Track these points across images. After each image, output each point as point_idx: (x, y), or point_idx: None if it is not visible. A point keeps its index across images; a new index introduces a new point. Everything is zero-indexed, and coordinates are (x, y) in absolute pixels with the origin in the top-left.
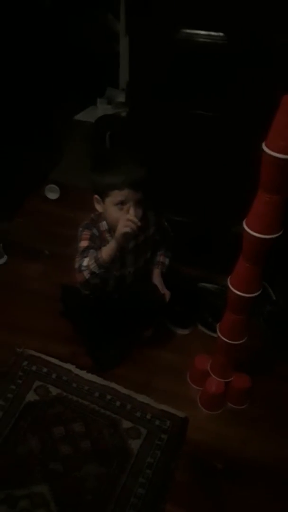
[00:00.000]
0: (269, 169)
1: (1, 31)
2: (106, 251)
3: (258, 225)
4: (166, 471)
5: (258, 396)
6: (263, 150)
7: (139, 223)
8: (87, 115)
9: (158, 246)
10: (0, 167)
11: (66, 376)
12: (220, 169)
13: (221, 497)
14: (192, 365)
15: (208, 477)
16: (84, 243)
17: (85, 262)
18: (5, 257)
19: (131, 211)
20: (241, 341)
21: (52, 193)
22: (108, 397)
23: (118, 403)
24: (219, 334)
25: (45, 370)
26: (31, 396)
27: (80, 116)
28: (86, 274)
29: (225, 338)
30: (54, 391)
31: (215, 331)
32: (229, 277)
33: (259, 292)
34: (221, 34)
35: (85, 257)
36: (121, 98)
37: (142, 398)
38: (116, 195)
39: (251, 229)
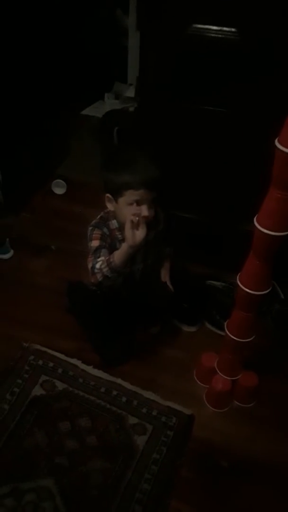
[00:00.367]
0: (282, 165)
1: (11, 26)
2: (119, 256)
3: (269, 222)
4: (171, 467)
5: (265, 394)
6: (275, 147)
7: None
8: (95, 110)
9: (165, 240)
10: (7, 162)
11: (72, 371)
12: (229, 165)
13: (226, 494)
14: (199, 363)
15: (213, 474)
16: (95, 243)
17: (98, 265)
18: (11, 252)
19: (144, 210)
20: (249, 339)
21: (59, 188)
22: (114, 392)
23: (124, 399)
24: (227, 331)
25: (51, 365)
26: (37, 391)
27: (87, 111)
28: (99, 277)
29: (233, 335)
30: (60, 386)
31: (222, 329)
32: (239, 274)
33: (268, 290)
34: (233, 29)
35: (98, 257)
36: (129, 93)
37: (148, 394)
38: (131, 195)
39: (262, 226)
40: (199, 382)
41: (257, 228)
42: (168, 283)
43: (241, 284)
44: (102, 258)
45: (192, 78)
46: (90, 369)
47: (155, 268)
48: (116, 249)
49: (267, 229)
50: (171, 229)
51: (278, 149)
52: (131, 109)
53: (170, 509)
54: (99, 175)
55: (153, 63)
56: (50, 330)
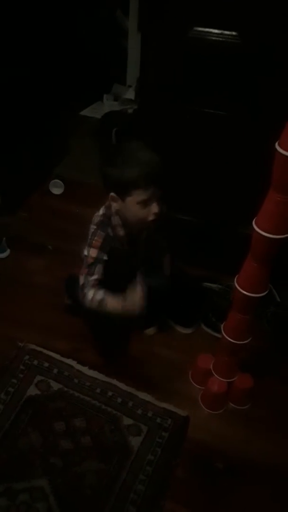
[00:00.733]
0: (282, 169)
1: (11, 27)
2: (111, 304)
3: (268, 225)
4: (166, 468)
5: (260, 397)
6: (276, 150)
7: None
8: (93, 111)
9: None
10: (5, 162)
11: (67, 372)
12: (228, 168)
13: (221, 496)
14: (195, 364)
15: (208, 476)
16: (93, 252)
17: (90, 293)
18: (8, 251)
19: (155, 208)
20: (245, 341)
21: (57, 188)
22: (110, 393)
23: (119, 400)
24: (223, 333)
25: (46, 365)
26: (32, 391)
27: (86, 112)
28: (87, 304)
29: (229, 337)
30: (55, 386)
31: (218, 331)
32: (236, 276)
33: (265, 293)
34: (233, 33)
35: (92, 274)
36: (128, 94)
37: (143, 395)
38: (140, 194)
39: (261, 229)
40: (194, 384)
41: (256, 230)
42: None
43: (239, 286)
44: (94, 289)
45: (192, 80)
46: (85, 369)
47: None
48: (117, 250)
49: (266, 231)
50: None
51: (278, 152)
52: (130, 110)
53: (164, 511)
54: (99, 173)
55: (154, 64)
56: (46, 330)
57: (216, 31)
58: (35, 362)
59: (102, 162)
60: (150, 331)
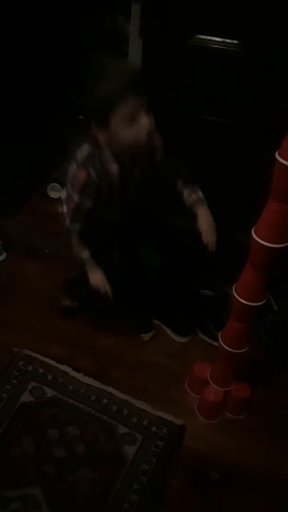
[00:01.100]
0: (281, 178)
1: (11, 29)
2: (77, 253)
3: (267, 234)
4: (161, 478)
5: (257, 406)
6: (276, 159)
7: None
8: None
9: (175, 180)
10: (2, 165)
11: (62, 378)
12: (227, 176)
13: (215, 505)
14: (191, 373)
15: (203, 485)
16: (75, 196)
17: (76, 247)
18: (4, 254)
19: (144, 118)
20: (242, 350)
21: (54, 192)
22: (105, 401)
23: (114, 408)
24: (220, 342)
25: (41, 371)
26: (26, 397)
27: None
28: (73, 247)
29: (226, 346)
30: (49, 392)
31: (215, 339)
32: (234, 285)
33: (263, 302)
34: (235, 41)
35: (76, 225)
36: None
37: (139, 403)
38: (122, 109)
39: (260, 238)
40: (191, 393)
41: (254, 239)
42: (210, 232)
43: (237, 294)
44: (81, 245)
45: (193, 87)
46: (80, 376)
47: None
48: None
49: (264, 240)
50: (180, 163)
51: (278, 161)
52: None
53: None
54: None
55: (155, 70)
56: (41, 335)
57: (217, 39)
58: (30, 368)
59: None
60: (146, 336)
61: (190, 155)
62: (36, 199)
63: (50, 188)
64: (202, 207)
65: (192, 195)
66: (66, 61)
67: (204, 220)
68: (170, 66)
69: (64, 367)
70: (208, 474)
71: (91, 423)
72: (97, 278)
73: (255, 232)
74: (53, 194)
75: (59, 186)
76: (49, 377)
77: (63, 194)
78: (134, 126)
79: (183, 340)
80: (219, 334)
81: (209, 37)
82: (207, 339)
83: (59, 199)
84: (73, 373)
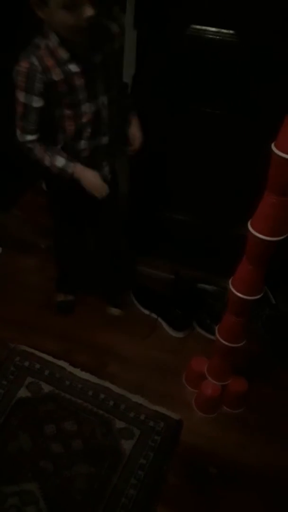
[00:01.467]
0: (278, 170)
1: (9, 26)
2: (52, 165)
3: (264, 227)
4: (158, 473)
5: (254, 400)
6: (272, 151)
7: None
8: None
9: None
10: None
11: (59, 373)
12: (224, 168)
13: (213, 501)
14: (189, 367)
15: (200, 480)
16: (21, 96)
17: (47, 160)
18: (0, 249)
19: (88, 10)
20: (239, 344)
21: None
22: (102, 396)
23: (111, 403)
24: (217, 336)
25: (37, 366)
26: (22, 393)
27: None
28: (43, 163)
29: (223, 340)
30: (46, 388)
31: (213, 333)
32: (231, 278)
33: (260, 295)
34: (231, 31)
35: (28, 131)
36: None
37: (136, 398)
38: None
39: (256, 231)
40: (188, 387)
41: (251, 232)
42: (137, 137)
43: (233, 288)
44: (47, 153)
45: (189, 79)
46: (77, 371)
47: (120, 117)
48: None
49: (261, 233)
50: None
51: (274, 153)
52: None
53: None
54: None
55: (150, 62)
56: (37, 331)
57: (213, 29)
58: (26, 364)
59: None
60: (116, 311)
61: (185, 148)
62: (31, 194)
63: None
64: (135, 118)
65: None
66: None
67: (137, 129)
68: (165, 57)
69: (60, 362)
70: (205, 469)
71: (88, 418)
72: (90, 177)
73: (251, 225)
74: None
75: None
76: (46, 372)
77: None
78: (73, 14)
79: (179, 335)
80: (216, 328)
81: (204, 27)
82: (204, 333)
83: None
84: (70, 368)
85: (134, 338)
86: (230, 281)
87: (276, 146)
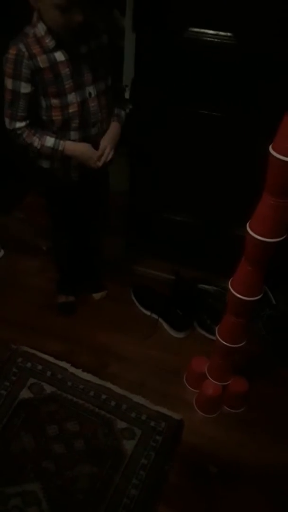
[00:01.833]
0: (275, 172)
1: (8, 25)
2: (41, 147)
3: (262, 228)
4: (159, 472)
5: (255, 400)
6: (269, 153)
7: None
8: None
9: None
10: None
11: (61, 374)
12: (223, 170)
13: (214, 500)
14: (189, 367)
15: (202, 480)
16: (9, 83)
17: (36, 142)
18: (2, 251)
19: (78, 16)
20: (239, 345)
21: None
22: (103, 396)
23: (113, 403)
24: (217, 337)
25: (40, 367)
26: (25, 394)
27: None
28: (34, 149)
29: (223, 341)
30: (48, 389)
31: (213, 334)
32: (230, 279)
33: (260, 296)
34: (229, 34)
35: (16, 116)
36: (125, 94)
37: (137, 398)
38: None
39: (255, 232)
40: (189, 387)
41: (249, 233)
42: (108, 148)
43: (233, 289)
44: (35, 136)
45: (187, 81)
46: (79, 372)
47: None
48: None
49: (259, 235)
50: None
51: (272, 155)
52: (126, 110)
53: None
54: None
55: (148, 65)
56: (39, 332)
57: (211, 31)
58: (28, 365)
59: None
60: (98, 295)
61: (184, 150)
62: (33, 196)
63: None
64: (115, 123)
65: (116, 110)
66: None
67: (109, 133)
68: (163, 59)
69: (62, 363)
70: (206, 469)
71: (90, 419)
72: (82, 149)
73: (250, 226)
74: None
75: None
76: (48, 373)
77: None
78: (64, 16)
79: (180, 335)
80: (216, 328)
81: (202, 30)
82: (204, 333)
83: None
84: (72, 369)
85: (135, 339)
86: (229, 282)
87: (273, 148)
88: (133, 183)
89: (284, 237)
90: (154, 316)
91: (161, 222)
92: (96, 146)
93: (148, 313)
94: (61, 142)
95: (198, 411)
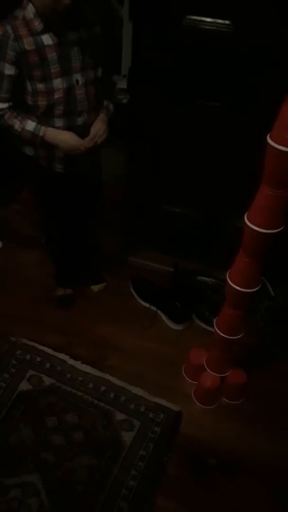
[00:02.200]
0: (273, 162)
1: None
2: (22, 131)
3: (260, 219)
4: (158, 464)
5: (253, 392)
6: (267, 143)
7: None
8: None
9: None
10: None
11: (60, 366)
12: (221, 161)
13: (213, 491)
14: (188, 359)
15: (200, 471)
16: None
17: (17, 125)
18: (0, 244)
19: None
20: (237, 337)
21: None
22: (102, 388)
23: (112, 395)
24: (216, 328)
25: (39, 359)
26: (24, 386)
27: None
28: (15, 132)
29: (221, 333)
30: (47, 381)
31: (211, 325)
32: (228, 271)
33: (258, 288)
34: (227, 22)
35: (2, 103)
36: (122, 84)
37: (136, 390)
38: None
39: (253, 223)
40: (187, 379)
41: (247, 225)
42: (96, 134)
43: (230, 281)
44: (16, 119)
45: (185, 70)
46: (78, 364)
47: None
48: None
49: (257, 226)
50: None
51: (270, 145)
52: (124, 101)
53: (156, 506)
54: None
55: (146, 54)
56: (38, 324)
57: (209, 19)
58: (27, 357)
59: None
60: (96, 287)
61: (181, 140)
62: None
63: None
64: (103, 115)
65: (105, 102)
66: None
67: (98, 122)
68: (161, 48)
69: (61, 355)
70: (205, 460)
71: (89, 411)
72: (65, 137)
73: (247, 217)
74: None
75: None
76: (47, 365)
77: None
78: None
79: (179, 327)
80: (214, 320)
81: (200, 18)
82: (203, 325)
83: None
84: (71, 361)
85: (134, 331)
86: (227, 274)
87: (271, 137)
88: (132, 174)
89: (282, 228)
90: (153, 308)
91: (160, 214)
92: (82, 137)
93: (147, 305)
94: (42, 127)
95: (196, 402)
